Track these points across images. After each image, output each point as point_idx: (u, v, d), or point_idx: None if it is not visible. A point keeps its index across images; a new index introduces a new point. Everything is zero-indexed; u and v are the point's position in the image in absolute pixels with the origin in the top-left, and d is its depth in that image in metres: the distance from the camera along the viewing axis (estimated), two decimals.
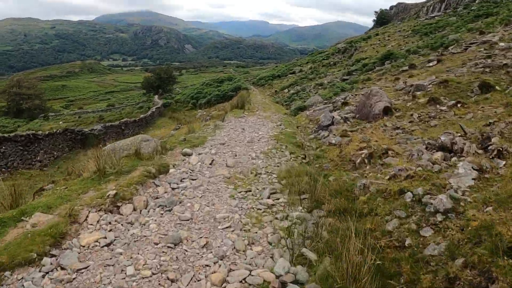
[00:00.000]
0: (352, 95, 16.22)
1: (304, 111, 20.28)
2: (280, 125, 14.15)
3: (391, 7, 72.47)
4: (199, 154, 9.41)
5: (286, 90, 36.30)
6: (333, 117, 12.63)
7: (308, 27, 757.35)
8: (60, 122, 59.64)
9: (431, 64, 19.70)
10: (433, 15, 52.86)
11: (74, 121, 58.92)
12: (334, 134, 10.82)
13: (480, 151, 6.16)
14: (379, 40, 44.72)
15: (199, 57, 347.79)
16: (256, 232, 5.36)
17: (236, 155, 9.42)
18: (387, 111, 11.27)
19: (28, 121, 65.24)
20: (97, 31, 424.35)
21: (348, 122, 12.09)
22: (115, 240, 5.11)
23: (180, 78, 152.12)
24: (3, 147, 17.56)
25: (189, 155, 9.20)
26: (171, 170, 7.81)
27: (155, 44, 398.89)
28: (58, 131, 19.53)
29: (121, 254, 4.78)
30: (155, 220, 5.69)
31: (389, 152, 7.62)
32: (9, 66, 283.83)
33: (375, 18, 71.55)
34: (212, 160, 8.82)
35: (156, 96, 57.73)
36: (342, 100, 16.35)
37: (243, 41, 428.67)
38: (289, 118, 17.71)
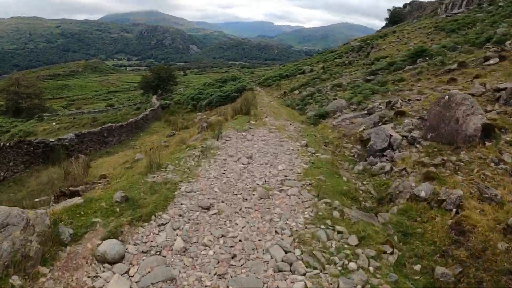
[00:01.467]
0: (403, 101, 11.53)
1: (327, 119, 15.82)
2: (306, 145, 9.63)
3: (405, 5, 67.77)
4: (140, 255, 4.29)
5: (296, 92, 31.75)
6: (391, 136, 7.99)
7: (313, 29, 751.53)
8: (53, 123, 56.14)
9: (491, 62, 15.16)
10: (454, 12, 48.60)
11: (68, 123, 55.10)
12: (406, 171, 6.25)
13: None
14: (398, 38, 40.30)
15: (204, 58, 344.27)
16: None
17: (233, 254, 4.41)
18: (488, 131, 6.66)
19: (26, 121, 62.27)
20: (102, 30, 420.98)
21: (417, 146, 7.49)
22: None
23: (184, 78, 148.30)
24: None
25: (112, 262, 4.05)
26: None
27: (160, 44, 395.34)
28: (8, 144, 14.88)
29: None
30: None
31: None
32: (14, 64, 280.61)
33: (388, 17, 66.90)
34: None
35: (154, 97, 53.27)
36: (385, 108, 11.74)
37: (248, 42, 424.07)
38: (310, 130, 13.21)
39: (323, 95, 23.88)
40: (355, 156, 8.88)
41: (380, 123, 10.16)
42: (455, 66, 16.96)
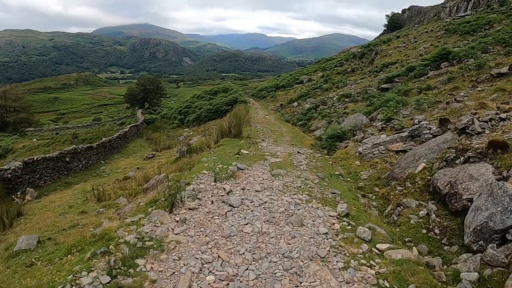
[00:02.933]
0: (478, 120, 7.17)
1: (345, 141, 11.64)
2: (346, 215, 5.33)
3: (404, 11, 64.18)
4: None
5: (295, 104, 27.60)
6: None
7: (306, 40, 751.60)
8: (34, 140, 51.82)
9: None
10: (460, 15, 45.07)
11: (49, 139, 50.75)
12: None
13: None
14: (404, 43, 36.54)
15: (197, 70, 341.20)
16: None
17: None
18: None
19: (9, 136, 58.58)
20: (96, 43, 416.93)
21: None
22: None
23: (177, 91, 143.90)
24: None
25: None
26: None
27: (153, 57, 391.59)
28: None
29: None
30: None
31: None
32: (7, 77, 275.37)
33: (386, 23, 63.24)
34: None
35: (140, 111, 48.90)
36: (439, 129, 7.50)
37: (241, 54, 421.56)
38: (330, 163, 9.01)
39: (329, 107, 19.74)
40: (436, 232, 4.62)
41: (457, 160, 5.91)
42: (506, 69, 12.86)
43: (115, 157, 24.54)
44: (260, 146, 11.21)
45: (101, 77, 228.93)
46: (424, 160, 6.51)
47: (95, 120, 76.94)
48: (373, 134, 11.03)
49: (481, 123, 6.87)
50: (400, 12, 65.14)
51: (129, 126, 32.77)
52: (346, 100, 19.92)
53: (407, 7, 65.05)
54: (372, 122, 12.95)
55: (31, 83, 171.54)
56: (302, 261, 4.21)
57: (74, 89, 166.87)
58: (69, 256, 4.32)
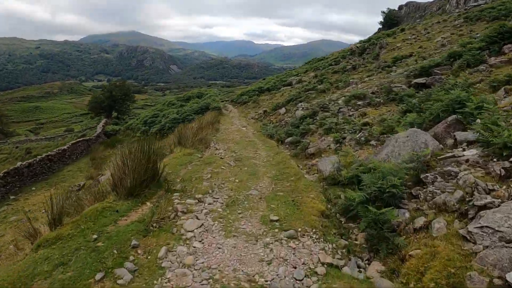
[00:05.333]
0: None
1: (408, 204, 4.46)
2: None
3: (401, 7, 58.07)
4: None
5: (282, 110, 20.65)
6: None
7: (293, 46, 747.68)
8: None
9: None
10: (473, 4, 39.45)
11: (6, 153, 43.54)
12: None
13: None
14: (413, 35, 30.07)
15: (184, 78, 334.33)
16: None
17: None
18: None
19: None
20: (82, 51, 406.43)
21: None
22: None
23: (162, 99, 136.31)
24: None
25: None
26: None
27: (140, 65, 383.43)
28: None
29: None
30: None
31: None
32: None
33: (382, 20, 56.78)
34: None
35: (103, 121, 41.50)
36: None
37: (229, 61, 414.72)
38: None
39: (333, 114, 12.68)
40: None
41: None
42: None
43: (33, 188, 17.31)
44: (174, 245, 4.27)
45: (86, 86, 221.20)
46: None
47: (67, 130, 70.32)
48: (485, 189, 4.02)
49: None
50: (396, 8, 59.12)
51: (71, 142, 25.39)
52: (359, 103, 12.92)
53: (404, 3, 59.26)
54: (445, 142, 6.01)
55: (14, 92, 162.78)
56: None
57: (58, 97, 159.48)
58: None
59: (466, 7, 38.49)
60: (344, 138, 9.61)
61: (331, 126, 10.77)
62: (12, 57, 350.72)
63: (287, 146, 11.87)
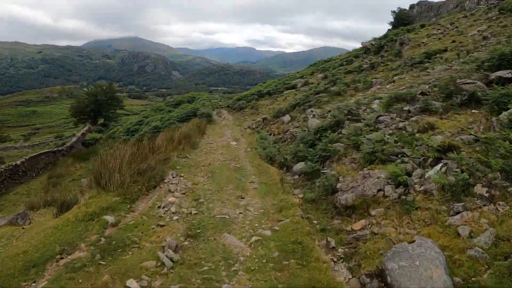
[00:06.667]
0: None
1: None
2: None
3: (412, 6, 53.86)
4: None
5: (286, 118, 16.09)
6: None
7: (295, 53, 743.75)
8: None
9: None
10: None
11: None
12: None
13: None
14: (438, 30, 25.92)
15: (186, 84, 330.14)
16: None
17: None
18: None
19: None
20: (84, 56, 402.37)
21: None
22: None
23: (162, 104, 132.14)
24: None
25: None
26: None
27: (142, 71, 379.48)
28: None
29: None
30: None
31: None
32: None
33: (392, 20, 52.43)
34: None
35: (85, 128, 36.98)
36: None
37: (230, 67, 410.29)
38: None
39: (368, 126, 8.04)
40: None
41: None
42: None
43: None
44: None
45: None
46: None
47: (58, 137, 66.38)
48: None
49: None
50: (407, 8, 54.93)
51: (30, 156, 20.72)
52: (408, 109, 8.34)
53: (415, 2, 55.15)
54: None
55: (13, 96, 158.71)
56: None
57: (57, 102, 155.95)
58: None
59: (493, 2, 34.24)
60: (410, 173, 4.98)
61: (375, 148, 6.15)
62: (14, 62, 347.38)
63: (296, 179, 7.32)
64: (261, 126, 17.28)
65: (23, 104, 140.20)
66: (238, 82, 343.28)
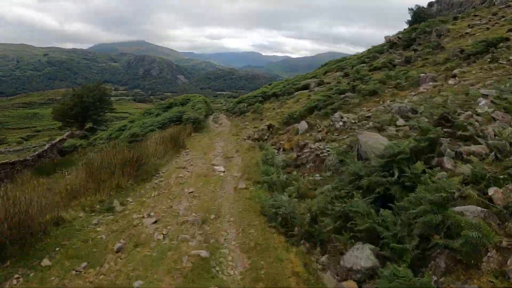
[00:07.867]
0: None
1: None
2: None
3: (431, 4, 49.80)
4: None
5: (302, 126, 11.43)
6: None
7: (300, 58, 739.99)
8: None
9: None
10: None
11: None
12: None
13: None
14: (480, 19, 21.40)
15: (191, 88, 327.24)
16: None
17: None
18: None
19: None
20: (90, 59, 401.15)
21: None
22: None
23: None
24: None
25: None
26: None
27: (147, 74, 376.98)
28: None
29: None
30: None
31: None
32: (0, 92, 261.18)
33: (410, 19, 48.11)
34: None
35: (66, 134, 32.65)
36: None
37: (236, 72, 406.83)
38: None
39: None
40: None
41: None
42: None
43: None
44: None
45: None
46: None
47: (52, 140, 62.83)
48: None
49: None
50: (425, 6, 50.80)
51: None
52: None
53: (434, 0, 51.04)
54: None
55: (17, 98, 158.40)
56: None
57: None
58: None
59: None
60: None
61: None
62: (20, 64, 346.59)
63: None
64: (266, 137, 12.81)
65: (26, 106, 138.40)
66: (244, 87, 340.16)
